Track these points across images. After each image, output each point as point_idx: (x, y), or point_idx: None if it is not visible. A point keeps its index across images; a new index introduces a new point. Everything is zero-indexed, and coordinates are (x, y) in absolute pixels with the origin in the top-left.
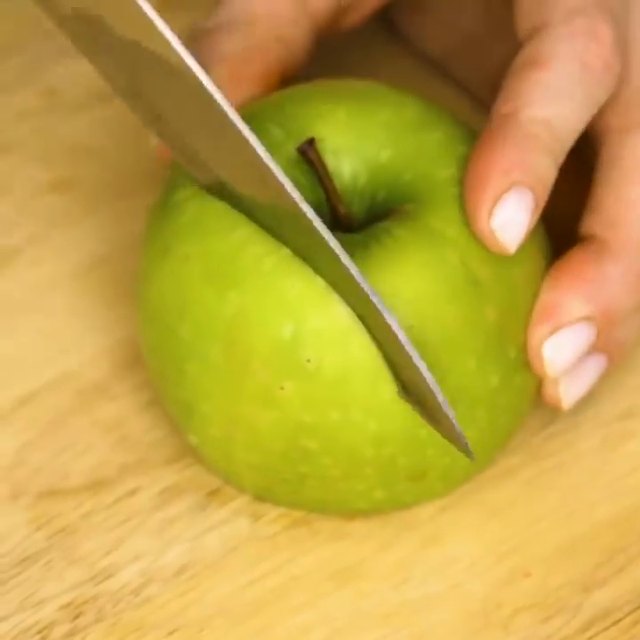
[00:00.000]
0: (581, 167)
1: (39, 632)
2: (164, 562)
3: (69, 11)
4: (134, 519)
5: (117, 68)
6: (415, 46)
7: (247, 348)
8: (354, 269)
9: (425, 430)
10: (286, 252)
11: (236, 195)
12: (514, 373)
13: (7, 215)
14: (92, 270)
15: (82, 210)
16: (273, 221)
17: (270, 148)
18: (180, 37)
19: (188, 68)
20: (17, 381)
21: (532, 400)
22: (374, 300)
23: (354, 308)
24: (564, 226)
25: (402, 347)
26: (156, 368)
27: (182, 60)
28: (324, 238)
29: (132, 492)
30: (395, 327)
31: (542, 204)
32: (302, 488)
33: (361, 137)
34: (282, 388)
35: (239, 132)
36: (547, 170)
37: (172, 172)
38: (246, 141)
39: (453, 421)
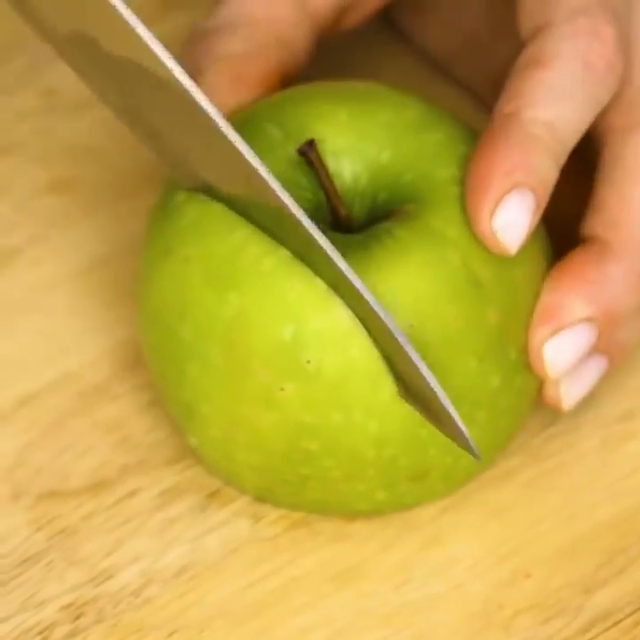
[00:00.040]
0: (583, 167)
1: (40, 633)
2: (165, 563)
3: (66, 32)
4: (135, 520)
5: (110, 85)
6: (416, 45)
7: (247, 349)
8: (348, 270)
9: (426, 430)
10: (286, 252)
11: (232, 198)
12: (515, 374)
13: (7, 215)
14: (92, 271)
15: (81, 210)
16: (272, 223)
17: (270, 149)
18: (168, 50)
19: (178, 81)
20: (17, 382)
21: (533, 401)
22: (369, 299)
23: (354, 310)
24: (565, 226)
25: (401, 347)
26: (157, 369)
27: (173, 73)
28: (317, 241)
29: (133, 493)
30: (391, 326)
31: (544, 204)
32: (303, 489)
33: (361, 138)
34: (282, 390)
35: (231, 143)
36: (548, 171)
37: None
38: (237, 150)
39: (457, 420)
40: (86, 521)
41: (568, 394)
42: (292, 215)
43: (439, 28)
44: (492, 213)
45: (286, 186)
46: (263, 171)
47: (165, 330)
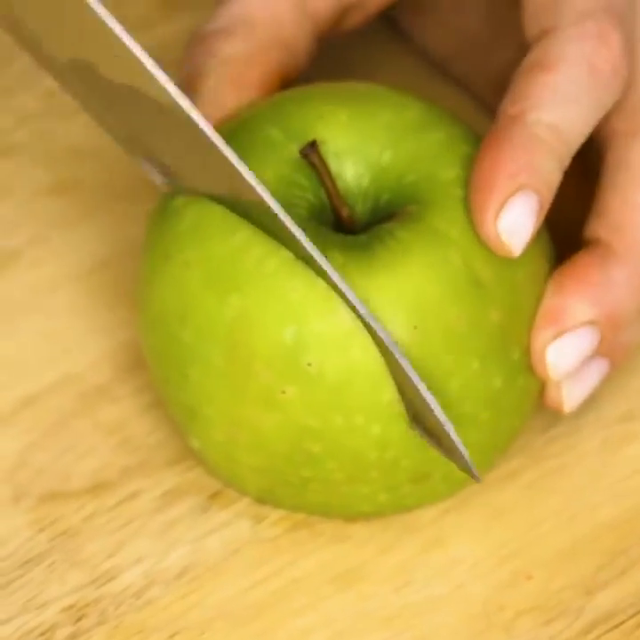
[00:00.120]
0: (586, 171)
1: (42, 634)
2: (166, 564)
3: (65, 59)
4: (136, 522)
5: (109, 111)
6: (416, 46)
7: (249, 351)
8: (335, 275)
9: None
10: (287, 254)
11: (232, 201)
12: (517, 375)
13: (8, 217)
14: (92, 272)
15: (82, 212)
16: (272, 224)
17: (271, 151)
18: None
19: (177, 104)
20: (18, 383)
21: (535, 402)
22: (360, 308)
23: (355, 312)
24: (568, 230)
25: (396, 359)
26: (159, 373)
27: (171, 96)
28: (309, 252)
29: (134, 495)
30: (378, 328)
31: (547, 206)
32: (305, 491)
33: (363, 139)
34: (284, 392)
35: (232, 165)
36: (552, 173)
37: None
38: (239, 172)
39: (452, 435)
40: (88, 522)
41: (570, 396)
42: (286, 226)
43: (439, 29)
44: (496, 215)
45: (288, 187)
46: (260, 188)
47: (167, 334)
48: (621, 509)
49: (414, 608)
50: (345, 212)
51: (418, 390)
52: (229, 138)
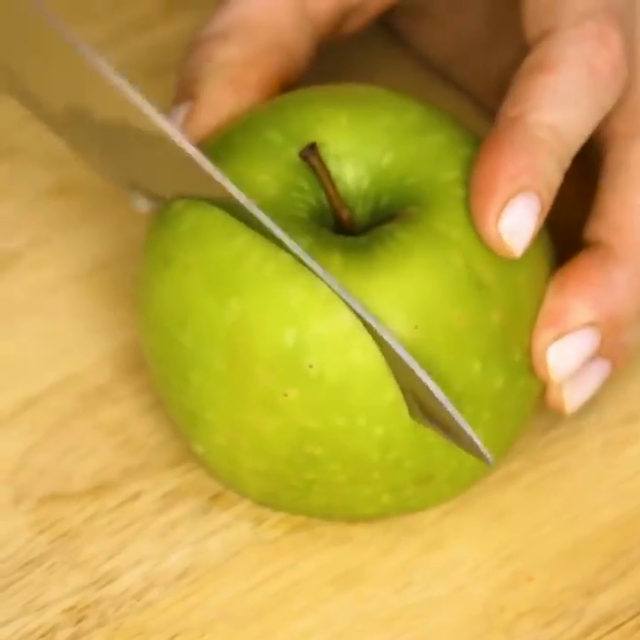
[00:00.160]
0: (586, 172)
1: (42, 636)
2: (166, 566)
3: (61, 108)
4: (137, 523)
5: (107, 156)
6: (415, 49)
7: (250, 355)
8: (331, 279)
9: (431, 433)
10: (287, 257)
11: (232, 205)
12: (518, 376)
13: (8, 218)
14: (93, 273)
15: (82, 213)
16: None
17: (271, 153)
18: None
19: (175, 142)
20: (19, 384)
21: (536, 403)
22: (358, 309)
23: (355, 313)
24: (568, 231)
25: (398, 355)
26: (160, 377)
27: (167, 133)
28: (302, 258)
29: (135, 496)
30: (377, 326)
31: (548, 207)
32: (308, 494)
33: (363, 141)
34: (285, 395)
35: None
36: (553, 174)
37: None
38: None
39: (462, 423)
40: (88, 524)
41: (571, 397)
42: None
43: (438, 32)
44: (497, 217)
45: (288, 190)
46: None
47: (167, 338)
48: (622, 511)
49: (414, 609)
50: (345, 214)
51: (419, 378)
52: (229, 141)
